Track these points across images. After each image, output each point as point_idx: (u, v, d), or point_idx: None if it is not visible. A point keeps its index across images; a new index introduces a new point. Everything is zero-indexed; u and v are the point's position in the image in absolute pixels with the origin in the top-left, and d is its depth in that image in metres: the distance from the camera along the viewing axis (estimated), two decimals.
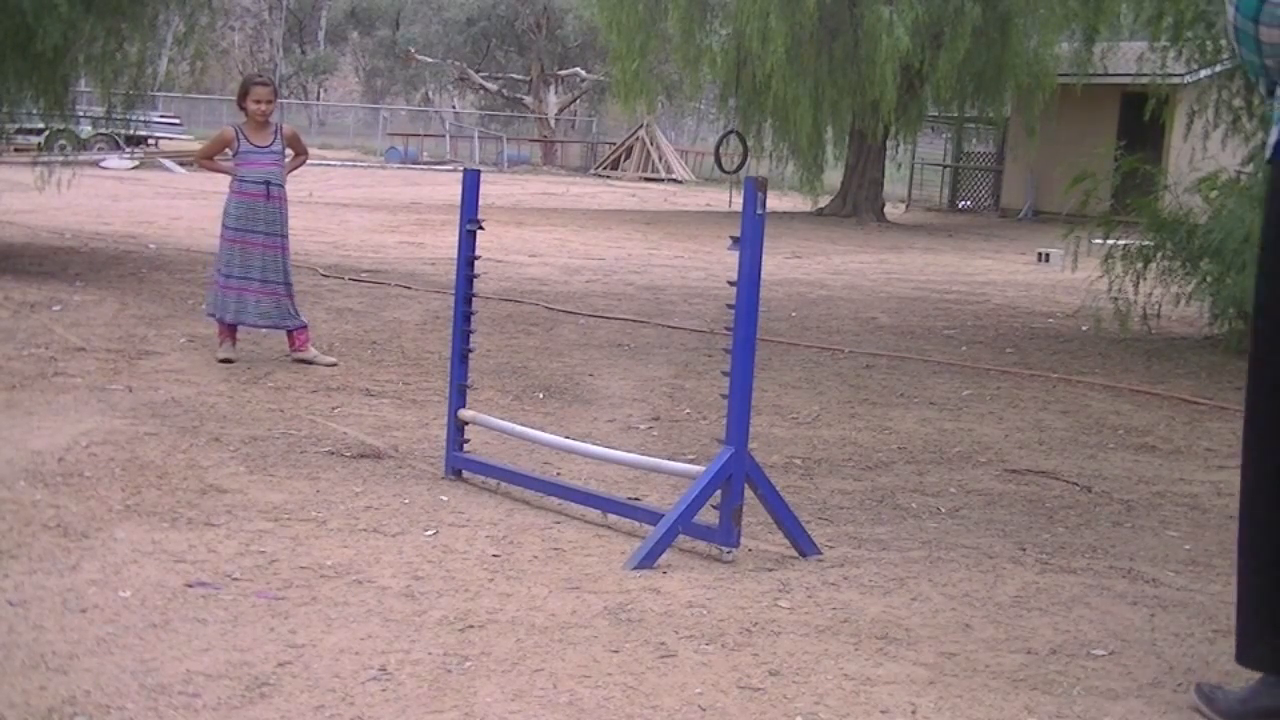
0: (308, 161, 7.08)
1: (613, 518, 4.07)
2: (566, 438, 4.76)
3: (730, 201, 20.40)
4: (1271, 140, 2.79)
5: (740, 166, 20.09)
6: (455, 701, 2.69)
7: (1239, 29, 2.75)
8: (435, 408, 5.46)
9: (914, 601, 3.42)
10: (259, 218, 6.35)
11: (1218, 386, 6.86)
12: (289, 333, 6.47)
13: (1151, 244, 8.61)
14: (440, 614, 3.18)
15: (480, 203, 4.47)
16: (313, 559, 3.55)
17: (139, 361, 6.22)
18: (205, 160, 6.83)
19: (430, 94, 48.10)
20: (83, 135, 20.54)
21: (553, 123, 41.02)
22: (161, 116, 27.72)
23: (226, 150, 6.53)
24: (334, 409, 5.49)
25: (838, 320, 9.13)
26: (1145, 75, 9.65)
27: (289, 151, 6.61)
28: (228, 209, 6.40)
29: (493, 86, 42.76)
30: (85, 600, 3.14)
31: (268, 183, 6.36)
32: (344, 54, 53.49)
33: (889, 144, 21.79)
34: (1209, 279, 8.18)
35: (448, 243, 9.53)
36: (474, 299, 4.54)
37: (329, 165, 27.68)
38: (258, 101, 6.38)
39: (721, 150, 20.90)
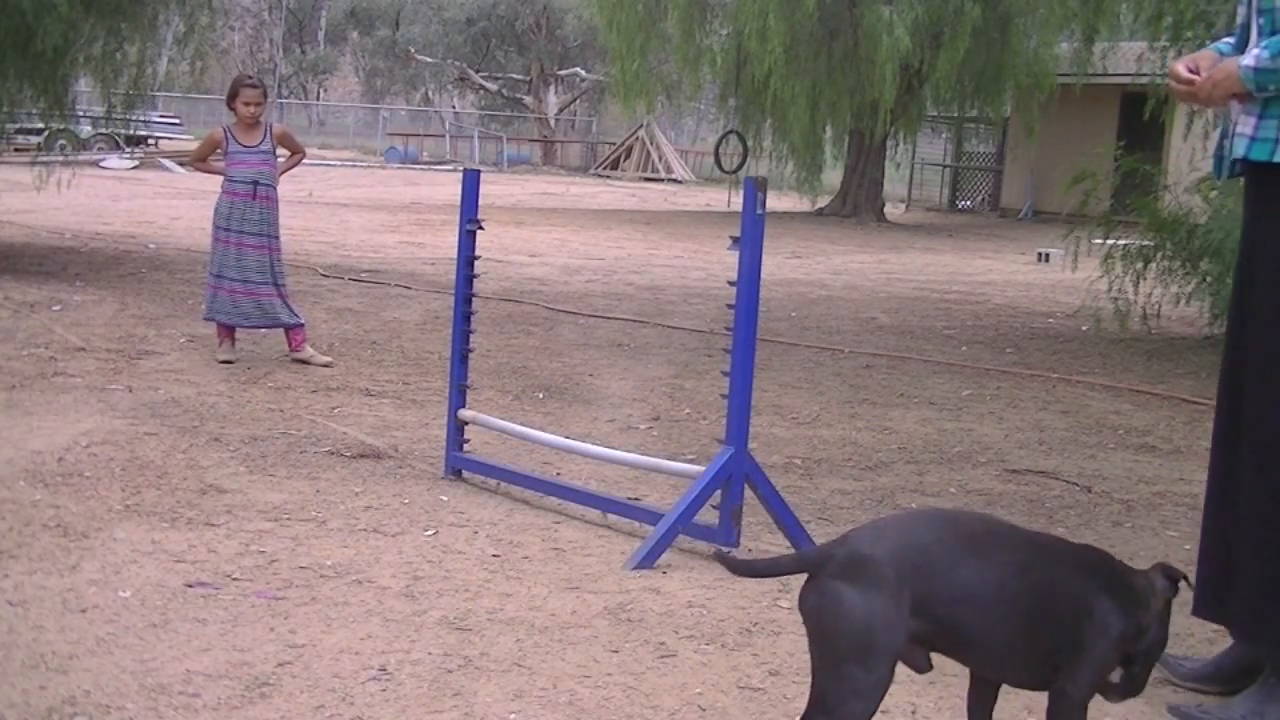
0: (305, 160, 7.08)
1: (613, 518, 4.07)
2: (566, 438, 4.76)
3: (730, 201, 20.39)
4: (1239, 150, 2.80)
5: (740, 166, 20.10)
6: (455, 701, 2.69)
7: None
8: (435, 408, 5.46)
9: None
10: (247, 218, 6.36)
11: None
12: (286, 332, 6.47)
13: (1151, 244, 8.61)
14: (440, 614, 3.18)
15: (480, 203, 4.47)
16: (313, 559, 3.55)
17: (139, 361, 6.22)
18: (199, 162, 6.85)
19: (430, 94, 48.09)
20: (82, 135, 20.53)
21: (553, 123, 41.01)
22: (161, 116, 27.70)
23: (219, 151, 6.55)
24: (334, 409, 5.49)
25: (838, 320, 9.13)
26: (1145, 75, 9.64)
27: (282, 151, 6.62)
28: (218, 208, 6.43)
29: (493, 86, 42.76)
30: (85, 600, 3.14)
31: (255, 182, 6.38)
32: (344, 54, 53.49)
33: (889, 144, 21.80)
34: (1209, 279, 8.18)
35: (448, 243, 9.53)
36: (474, 299, 4.54)
37: (329, 165, 27.69)
38: (246, 103, 6.40)
39: (721, 150, 20.91)
